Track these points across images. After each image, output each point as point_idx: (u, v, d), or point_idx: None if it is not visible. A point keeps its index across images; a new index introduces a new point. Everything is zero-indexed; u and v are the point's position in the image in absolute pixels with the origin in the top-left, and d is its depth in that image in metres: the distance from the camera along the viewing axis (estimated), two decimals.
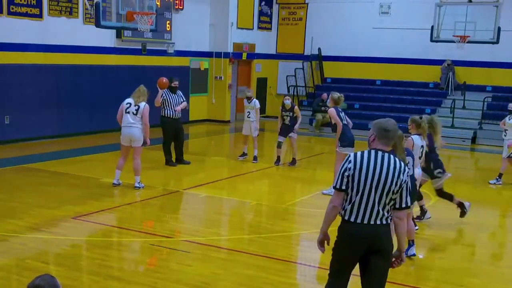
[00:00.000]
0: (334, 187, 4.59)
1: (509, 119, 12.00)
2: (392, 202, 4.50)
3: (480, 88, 19.68)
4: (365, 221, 4.46)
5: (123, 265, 6.85)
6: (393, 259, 4.64)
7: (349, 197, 4.51)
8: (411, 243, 7.14)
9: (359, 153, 4.56)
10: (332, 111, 10.33)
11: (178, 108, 12.11)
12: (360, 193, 4.46)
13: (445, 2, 16.90)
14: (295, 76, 21.75)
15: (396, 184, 4.44)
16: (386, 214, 4.49)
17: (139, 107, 9.95)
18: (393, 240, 4.63)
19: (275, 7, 22.79)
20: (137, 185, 10.18)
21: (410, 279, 6.65)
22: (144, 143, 10.14)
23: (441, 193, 8.84)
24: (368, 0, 21.21)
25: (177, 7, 18.56)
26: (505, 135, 12.07)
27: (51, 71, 14.89)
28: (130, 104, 10.01)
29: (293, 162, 12.97)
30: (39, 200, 9.24)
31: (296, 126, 12.77)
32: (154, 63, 17.71)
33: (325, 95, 18.26)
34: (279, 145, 12.94)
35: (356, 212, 4.48)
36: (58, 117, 15.21)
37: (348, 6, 21.53)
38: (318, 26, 22.00)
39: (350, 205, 4.50)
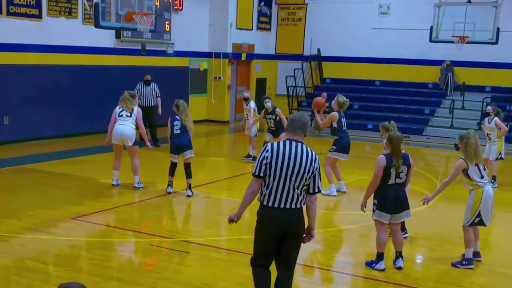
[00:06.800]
0: (253, 174, 4.96)
1: (488, 123, 11.58)
2: (305, 187, 4.93)
3: (479, 89, 19.70)
4: (282, 205, 4.88)
5: (123, 266, 6.84)
6: (304, 235, 5.04)
7: (267, 183, 4.91)
8: (398, 255, 6.82)
9: (275, 143, 4.96)
10: (334, 115, 10.24)
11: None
12: (277, 179, 4.86)
13: (444, 3, 16.91)
14: (294, 76, 21.75)
15: (308, 171, 4.88)
16: (300, 198, 4.92)
17: (133, 110, 10.09)
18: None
19: (275, 7, 22.79)
20: (136, 185, 10.18)
21: (410, 279, 6.64)
22: (137, 144, 10.19)
23: None
24: (367, 0, 21.22)
25: (176, 7, 18.55)
26: (489, 139, 11.55)
27: (50, 72, 14.86)
28: (123, 109, 10.07)
29: None
30: (38, 200, 9.23)
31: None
32: (153, 63, 17.70)
33: (324, 94, 18.23)
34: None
35: (273, 197, 4.88)
36: (58, 118, 15.19)
37: (347, 6, 21.54)
38: (317, 27, 22.00)
39: (268, 190, 4.90)
